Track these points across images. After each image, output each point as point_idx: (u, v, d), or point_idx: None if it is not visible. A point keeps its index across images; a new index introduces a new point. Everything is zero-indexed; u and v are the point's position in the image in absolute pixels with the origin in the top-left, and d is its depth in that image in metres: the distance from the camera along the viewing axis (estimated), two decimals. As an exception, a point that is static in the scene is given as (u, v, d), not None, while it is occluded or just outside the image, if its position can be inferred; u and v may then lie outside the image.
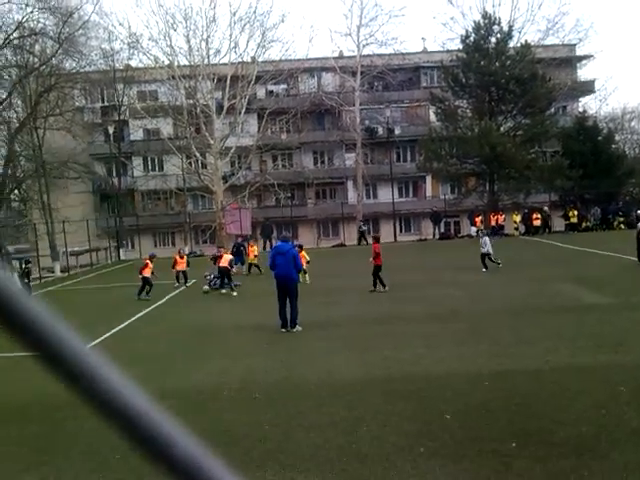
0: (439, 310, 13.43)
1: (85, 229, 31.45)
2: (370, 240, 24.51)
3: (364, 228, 37.86)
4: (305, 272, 18.75)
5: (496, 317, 12.14)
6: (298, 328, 11.88)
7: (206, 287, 18.89)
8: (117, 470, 5.70)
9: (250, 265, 22.38)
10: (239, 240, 25.32)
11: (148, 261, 18.60)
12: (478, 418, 6.39)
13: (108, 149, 41.06)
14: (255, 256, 22.28)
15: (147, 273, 18.12)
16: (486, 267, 19.13)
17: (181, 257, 20.23)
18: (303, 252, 19.25)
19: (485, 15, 38.02)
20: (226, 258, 18.76)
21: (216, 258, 19.44)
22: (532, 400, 6.86)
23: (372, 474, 5.26)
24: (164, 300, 17.43)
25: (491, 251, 19.33)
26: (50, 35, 32.17)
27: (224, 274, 18.48)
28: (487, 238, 19.59)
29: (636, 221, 28.85)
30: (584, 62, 47.17)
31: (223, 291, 18.34)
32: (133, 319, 14.63)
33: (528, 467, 5.16)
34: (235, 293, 18.07)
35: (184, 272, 19.96)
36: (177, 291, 19.16)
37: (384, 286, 16.37)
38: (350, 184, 46.40)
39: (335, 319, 12.95)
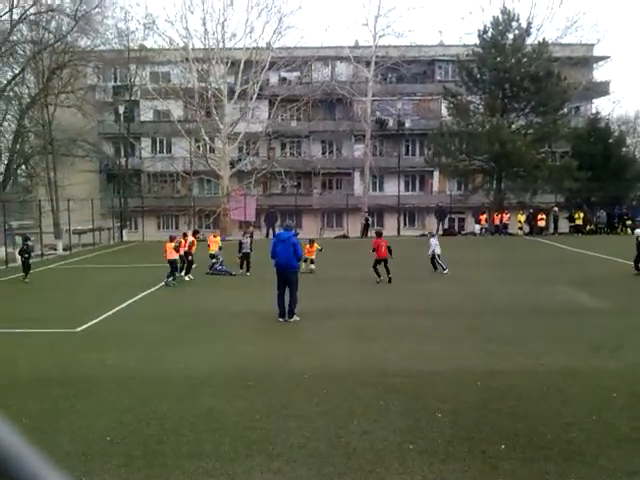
0: (438, 305, 13.45)
1: (89, 208, 31.47)
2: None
3: (370, 220, 37.82)
4: (312, 262, 19.14)
5: (494, 316, 12.11)
6: (295, 318, 11.86)
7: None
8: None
9: (212, 256, 20.52)
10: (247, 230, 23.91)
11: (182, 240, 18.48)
12: (469, 417, 6.38)
13: (117, 129, 41.09)
14: (220, 248, 20.50)
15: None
16: (435, 268, 18.61)
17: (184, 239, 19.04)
18: (315, 244, 19.63)
19: (504, 11, 37.67)
20: (170, 247, 17.74)
21: (177, 248, 18.00)
22: (524, 402, 6.83)
23: (360, 469, 5.24)
24: (163, 284, 17.38)
25: (438, 252, 18.66)
26: (67, 12, 32.19)
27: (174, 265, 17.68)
28: (434, 239, 19.02)
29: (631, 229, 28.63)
30: (600, 63, 46.72)
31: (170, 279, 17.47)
32: (131, 301, 14.67)
33: (515, 469, 5.14)
34: (188, 278, 18.16)
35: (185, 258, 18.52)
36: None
37: (379, 276, 16.51)
38: (357, 175, 46.23)
39: (334, 310, 12.97)
